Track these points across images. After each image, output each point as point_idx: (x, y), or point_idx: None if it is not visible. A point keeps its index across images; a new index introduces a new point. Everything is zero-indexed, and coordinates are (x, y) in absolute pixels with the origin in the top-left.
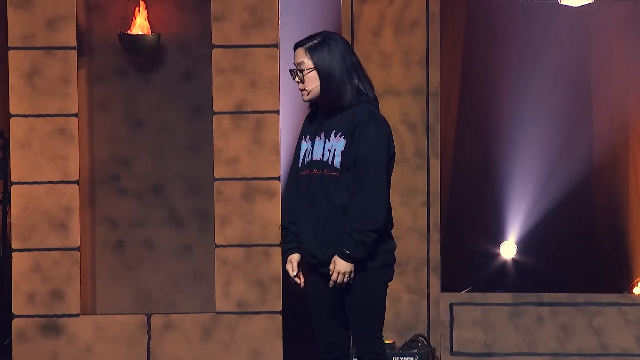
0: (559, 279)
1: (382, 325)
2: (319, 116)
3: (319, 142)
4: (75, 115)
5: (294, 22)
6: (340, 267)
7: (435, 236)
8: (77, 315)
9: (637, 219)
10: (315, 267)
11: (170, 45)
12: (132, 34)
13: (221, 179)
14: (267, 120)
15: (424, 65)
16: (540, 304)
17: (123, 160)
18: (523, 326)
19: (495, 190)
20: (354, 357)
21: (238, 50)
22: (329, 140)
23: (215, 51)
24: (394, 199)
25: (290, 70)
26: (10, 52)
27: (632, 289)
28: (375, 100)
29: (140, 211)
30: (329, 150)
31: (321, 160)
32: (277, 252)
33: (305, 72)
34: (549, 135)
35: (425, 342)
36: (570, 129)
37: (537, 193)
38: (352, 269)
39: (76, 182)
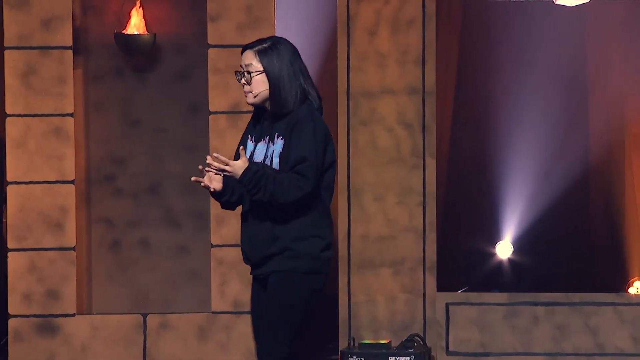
0: (554, 278)
1: (294, 334)
2: (263, 119)
3: (262, 145)
4: (71, 115)
5: (290, 22)
6: (235, 168)
7: (432, 236)
8: (73, 315)
9: (632, 218)
10: (252, 271)
11: (166, 45)
12: (127, 34)
13: None
14: None
15: (420, 65)
16: (536, 304)
17: (119, 160)
18: (519, 326)
19: (492, 190)
20: None
21: (234, 50)
22: (272, 144)
23: (211, 51)
24: (390, 198)
25: (235, 72)
26: (6, 52)
27: (628, 288)
28: (320, 108)
29: (136, 211)
30: (272, 152)
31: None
32: None
33: (253, 75)
34: (545, 134)
35: (421, 342)
36: (566, 128)
37: (533, 193)
38: (235, 176)
39: (72, 181)
